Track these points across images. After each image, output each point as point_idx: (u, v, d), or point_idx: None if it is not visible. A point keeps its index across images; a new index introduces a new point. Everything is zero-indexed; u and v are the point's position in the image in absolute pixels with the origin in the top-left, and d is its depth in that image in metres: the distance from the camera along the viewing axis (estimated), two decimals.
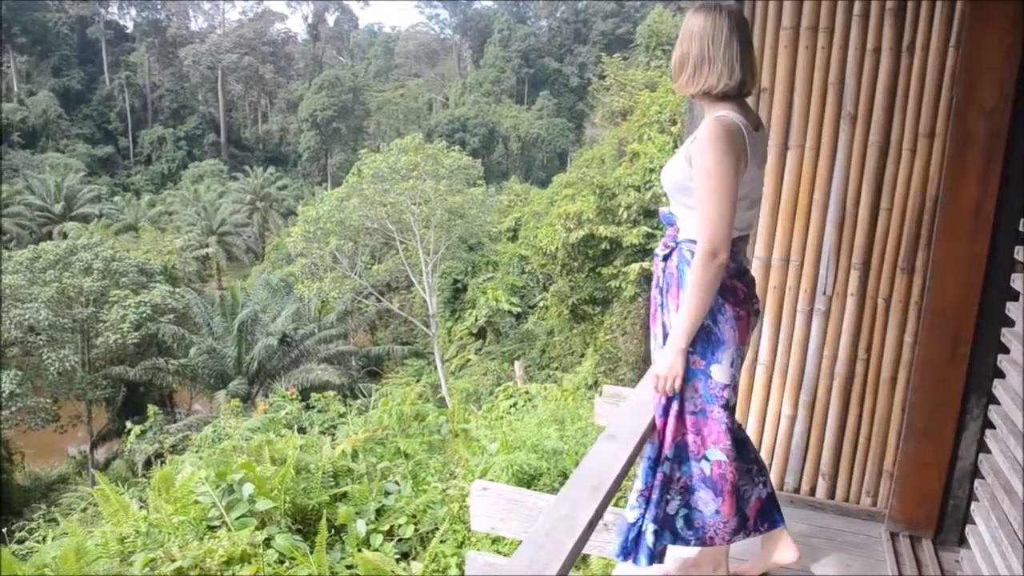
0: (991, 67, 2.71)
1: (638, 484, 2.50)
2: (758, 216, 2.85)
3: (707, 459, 2.48)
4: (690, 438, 2.48)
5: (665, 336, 2.46)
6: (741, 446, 2.56)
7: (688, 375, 2.41)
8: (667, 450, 2.46)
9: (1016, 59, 2.67)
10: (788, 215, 3.25)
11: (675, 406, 2.44)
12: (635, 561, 2.50)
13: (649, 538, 2.47)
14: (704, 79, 2.30)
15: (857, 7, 2.98)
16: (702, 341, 2.40)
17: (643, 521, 2.48)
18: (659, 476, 2.47)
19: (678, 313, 2.37)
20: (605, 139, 25.97)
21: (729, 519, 2.52)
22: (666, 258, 2.47)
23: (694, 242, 2.32)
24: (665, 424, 2.46)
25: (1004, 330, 2.78)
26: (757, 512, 2.63)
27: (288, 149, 63.79)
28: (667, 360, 2.37)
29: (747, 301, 2.45)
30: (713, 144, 2.20)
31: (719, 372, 2.41)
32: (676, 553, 2.81)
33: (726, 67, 2.27)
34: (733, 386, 2.46)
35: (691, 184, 2.29)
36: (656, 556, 2.50)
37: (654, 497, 2.47)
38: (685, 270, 2.38)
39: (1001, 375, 2.79)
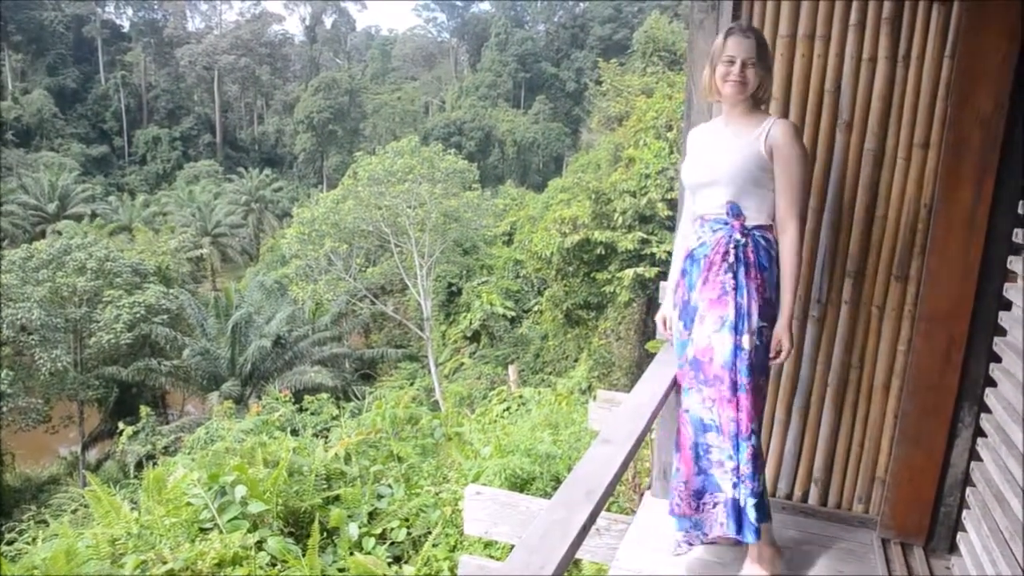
0: (986, 77, 2.72)
1: (730, 463, 2.68)
2: None
3: (755, 433, 2.70)
4: (743, 416, 2.67)
5: (740, 317, 2.66)
6: None
7: (753, 350, 2.66)
8: (751, 423, 2.66)
9: (1011, 69, 2.69)
10: None
11: (747, 380, 2.65)
12: (742, 536, 2.70)
13: (751, 513, 2.66)
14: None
15: (853, 16, 2.99)
16: (771, 317, 2.71)
17: (742, 498, 2.67)
18: (748, 451, 2.65)
19: (785, 291, 2.68)
20: (601, 144, 25.97)
21: (758, 474, 2.73)
22: (739, 245, 2.69)
23: (764, 228, 2.72)
24: (738, 401, 2.65)
25: (996, 339, 2.79)
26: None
27: (284, 151, 63.79)
28: (786, 336, 2.68)
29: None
30: (800, 138, 2.70)
31: (770, 338, 2.73)
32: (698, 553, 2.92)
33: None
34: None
35: (769, 173, 2.68)
36: (760, 532, 2.70)
37: (747, 472, 2.66)
38: (762, 254, 2.70)
39: (993, 384, 2.80)
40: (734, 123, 2.76)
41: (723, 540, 2.91)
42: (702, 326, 2.72)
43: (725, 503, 2.70)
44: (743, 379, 2.64)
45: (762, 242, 2.71)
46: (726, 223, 2.72)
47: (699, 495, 2.76)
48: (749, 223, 2.71)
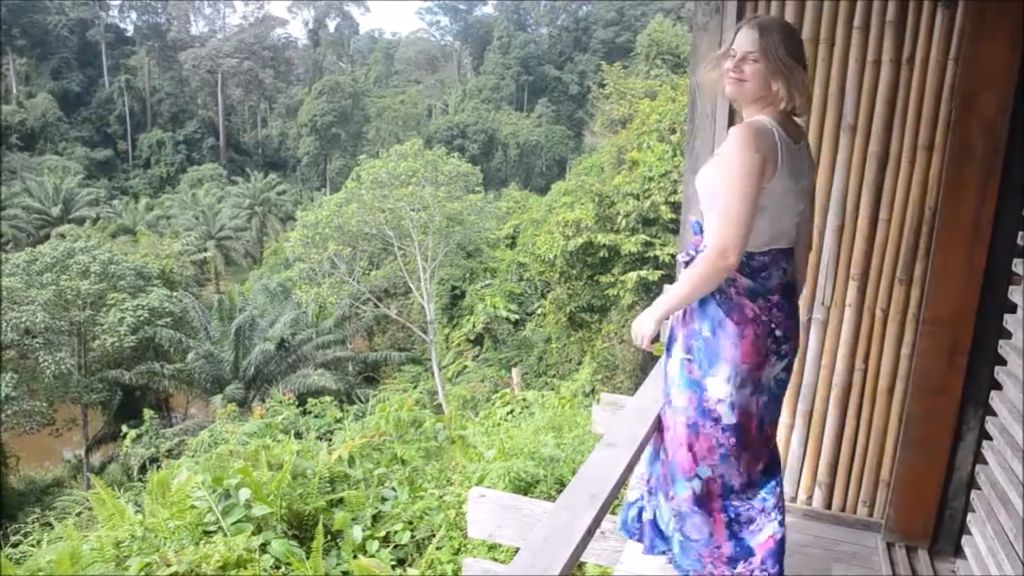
0: (990, 80, 2.73)
1: (640, 468, 2.61)
2: (797, 244, 2.51)
3: (698, 477, 2.43)
4: (682, 453, 2.45)
5: (681, 338, 2.45)
6: (759, 472, 2.49)
7: (683, 384, 2.41)
8: (668, 458, 2.50)
9: (1015, 73, 2.69)
10: None
11: (669, 415, 2.47)
12: (641, 541, 2.64)
13: (648, 528, 2.61)
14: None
15: (857, 19, 3.00)
16: (699, 351, 2.37)
17: (644, 505, 2.61)
18: (661, 468, 2.57)
19: (668, 292, 2.37)
20: (604, 147, 25.99)
21: (722, 543, 2.45)
22: (687, 264, 2.40)
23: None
24: (663, 430, 2.52)
25: (1002, 342, 2.79)
26: (767, 550, 2.44)
27: (287, 154, 63.85)
28: (640, 323, 2.42)
29: (760, 324, 2.33)
30: (739, 144, 2.21)
31: (714, 386, 2.35)
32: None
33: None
34: (732, 404, 2.35)
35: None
36: (651, 549, 2.61)
37: (653, 486, 2.59)
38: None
39: (998, 387, 2.80)
40: None
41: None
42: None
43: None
44: (667, 413, 2.50)
45: None
46: (692, 242, 2.48)
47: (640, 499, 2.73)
48: (705, 242, 2.37)
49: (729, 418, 2.36)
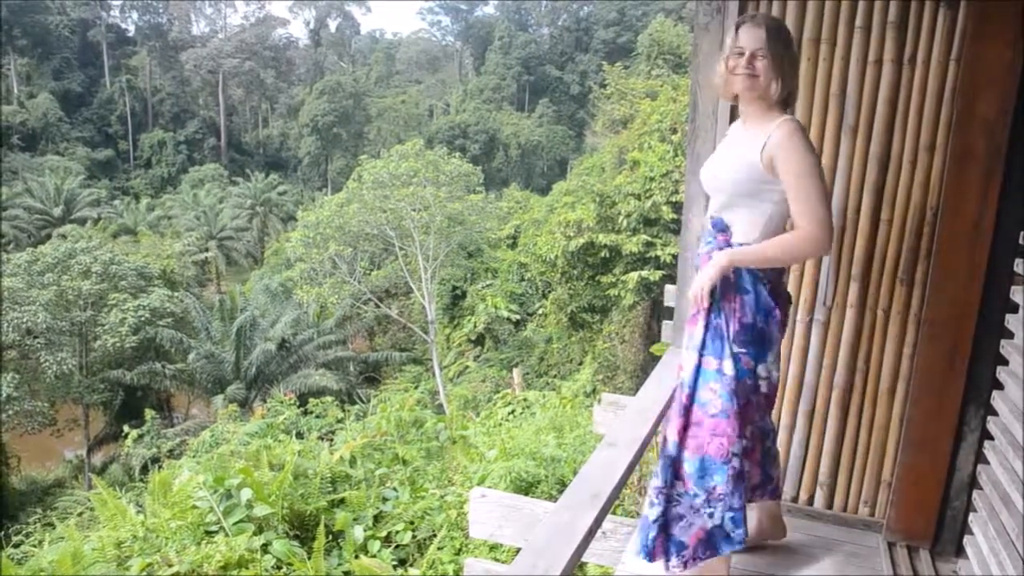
0: (991, 81, 2.72)
1: (655, 481, 2.58)
2: None
3: (735, 455, 2.53)
4: (715, 444, 2.51)
5: (714, 340, 2.52)
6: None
7: (733, 376, 2.49)
8: (730, 447, 2.53)
9: (1016, 74, 2.69)
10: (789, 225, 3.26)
11: (729, 405, 2.50)
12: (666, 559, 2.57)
13: (647, 536, 2.57)
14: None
15: (859, 20, 3.00)
16: (752, 342, 2.52)
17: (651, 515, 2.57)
18: (672, 472, 2.57)
19: (755, 246, 2.46)
20: (605, 147, 25.99)
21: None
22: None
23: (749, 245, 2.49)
24: (685, 422, 2.56)
25: (1003, 342, 2.79)
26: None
27: (288, 154, 63.85)
28: (714, 265, 2.44)
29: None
30: (804, 138, 2.40)
31: (764, 370, 2.58)
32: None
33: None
34: (771, 380, 2.64)
35: (762, 185, 2.44)
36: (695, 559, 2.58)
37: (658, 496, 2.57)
38: (745, 275, 2.50)
39: (1000, 387, 2.80)
40: (749, 125, 2.54)
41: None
42: (684, 341, 2.68)
43: (687, 527, 2.58)
44: (722, 403, 2.49)
45: None
46: (712, 237, 2.56)
47: (663, 515, 2.60)
48: (735, 240, 2.51)
49: (765, 388, 2.60)
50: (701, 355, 2.53)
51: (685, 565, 2.55)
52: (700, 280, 2.47)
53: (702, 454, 2.52)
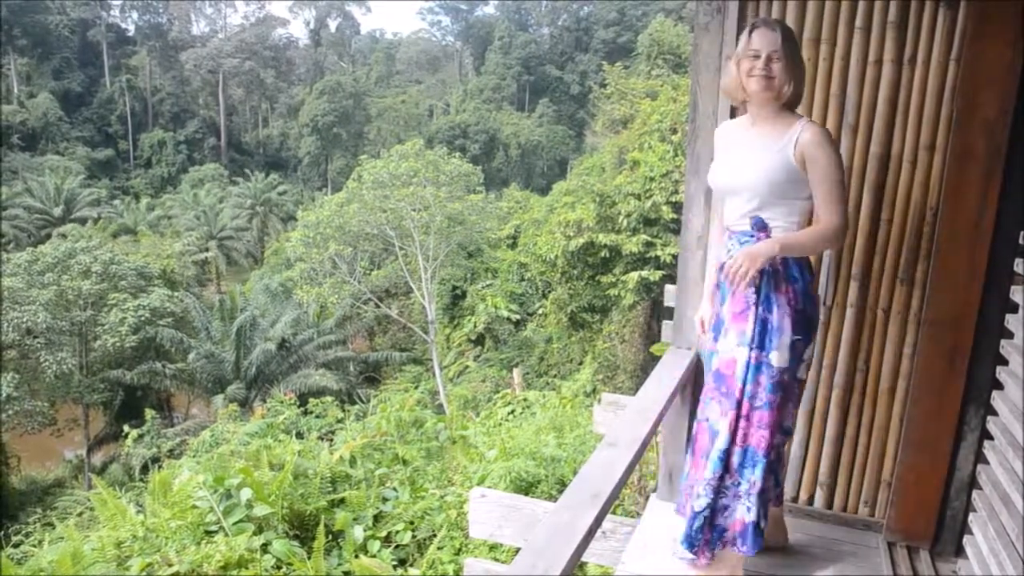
0: (991, 81, 2.72)
1: (735, 477, 2.68)
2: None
3: (775, 447, 2.72)
4: (767, 434, 2.65)
5: (766, 333, 2.60)
6: None
7: (788, 364, 2.62)
8: (772, 440, 2.67)
9: (1016, 74, 2.69)
10: None
11: (773, 396, 2.63)
12: (745, 549, 2.68)
13: (752, 528, 2.68)
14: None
15: (859, 20, 2.99)
16: (803, 328, 2.64)
17: (748, 511, 2.67)
18: (761, 468, 2.68)
19: (798, 235, 2.56)
20: (605, 147, 25.99)
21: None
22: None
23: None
24: (749, 417, 2.65)
25: (1003, 342, 2.79)
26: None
27: (288, 154, 63.86)
28: (759, 249, 2.49)
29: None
30: (832, 141, 2.57)
31: (808, 352, 2.71)
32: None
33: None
34: (808, 361, 2.79)
35: (798, 183, 2.56)
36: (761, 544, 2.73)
37: (755, 487, 2.68)
38: (792, 265, 2.62)
39: (1000, 387, 2.80)
40: (761, 126, 2.64)
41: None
42: (726, 339, 2.69)
43: (730, 514, 2.70)
44: (766, 395, 2.61)
45: (787, 256, 2.62)
46: (752, 236, 2.62)
47: (710, 506, 2.70)
48: (775, 235, 2.60)
49: (804, 373, 2.77)
50: (751, 349, 2.61)
51: (713, 555, 2.70)
52: (745, 262, 2.47)
53: (746, 445, 2.65)
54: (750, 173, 2.60)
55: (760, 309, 2.60)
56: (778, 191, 2.57)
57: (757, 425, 2.63)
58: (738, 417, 2.64)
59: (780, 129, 2.57)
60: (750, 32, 2.56)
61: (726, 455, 2.65)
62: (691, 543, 2.68)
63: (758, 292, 2.59)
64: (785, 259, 2.59)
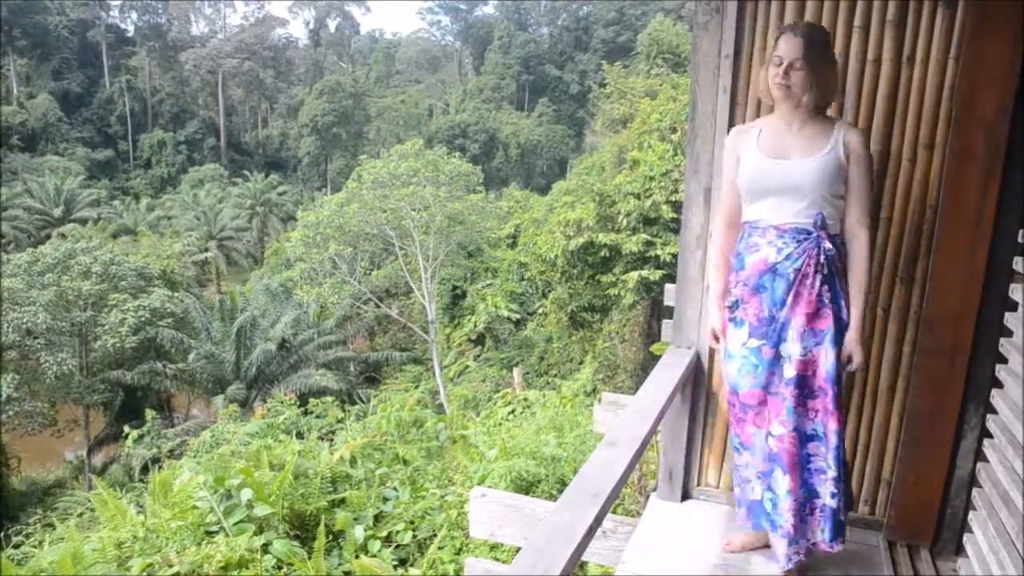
0: (991, 80, 2.72)
1: (830, 473, 2.75)
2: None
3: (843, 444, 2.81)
4: (840, 428, 2.74)
5: (839, 330, 2.67)
6: None
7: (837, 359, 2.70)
8: (842, 433, 2.77)
9: (1015, 73, 2.69)
10: None
11: (839, 391, 2.72)
12: (832, 544, 2.80)
13: (839, 523, 2.81)
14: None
15: (858, 18, 2.99)
16: (839, 331, 2.70)
17: (839, 507, 2.79)
18: (839, 462, 2.77)
19: (856, 300, 2.67)
20: (605, 147, 25.98)
21: None
22: (830, 257, 2.65)
23: (839, 236, 2.71)
24: (837, 413, 2.72)
25: (1002, 340, 2.79)
26: None
27: (288, 154, 63.87)
28: (859, 333, 2.68)
29: None
30: (867, 147, 2.70)
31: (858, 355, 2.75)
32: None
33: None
34: None
35: (843, 183, 2.66)
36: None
37: (841, 483, 2.78)
38: (845, 263, 2.71)
39: (999, 385, 2.80)
40: (801, 127, 2.69)
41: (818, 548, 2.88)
42: (801, 342, 2.66)
43: (822, 509, 2.77)
44: (839, 391, 2.69)
45: (843, 251, 2.71)
46: (810, 233, 2.64)
47: (803, 506, 2.78)
48: (834, 231, 2.68)
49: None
50: (835, 346, 2.67)
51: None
52: (860, 349, 2.68)
53: (838, 441, 2.73)
54: (807, 173, 2.64)
55: (835, 307, 2.65)
56: (831, 191, 2.64)
57: (837, 421, 2.72)
58: (839, 416, 2.71)
59: (824, 130, 2.66)
60: (777, 37, 2.64)
61: (841, 454, 2.73)
62: (842, 538, 2.80)
63: (832, 288, 2.65)
64: (843, 258, 2.68)
